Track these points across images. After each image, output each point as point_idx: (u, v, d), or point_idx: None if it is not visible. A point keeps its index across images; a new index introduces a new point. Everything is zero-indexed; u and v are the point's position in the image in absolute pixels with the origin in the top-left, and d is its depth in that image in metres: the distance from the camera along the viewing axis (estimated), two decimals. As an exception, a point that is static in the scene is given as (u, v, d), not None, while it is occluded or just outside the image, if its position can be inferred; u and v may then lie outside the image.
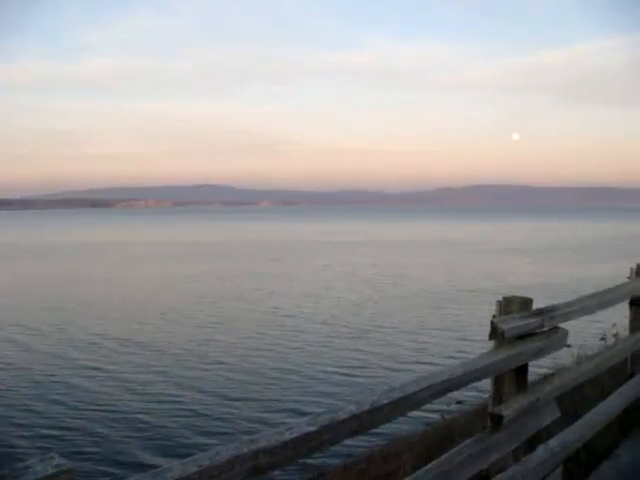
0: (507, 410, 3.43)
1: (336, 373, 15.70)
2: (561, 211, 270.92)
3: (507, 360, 3.44)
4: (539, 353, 3.73)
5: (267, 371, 15.93)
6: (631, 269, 5.66)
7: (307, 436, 2.23)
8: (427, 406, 3.01)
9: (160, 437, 11.60)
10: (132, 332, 21.04)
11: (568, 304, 4.17)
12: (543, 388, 3.87)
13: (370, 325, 22.01)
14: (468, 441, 3.31)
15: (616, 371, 5.69)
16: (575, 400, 5.35)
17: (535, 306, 3.80)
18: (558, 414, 3.98)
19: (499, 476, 3.43)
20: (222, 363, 16.86)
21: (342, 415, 2.39)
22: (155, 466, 1.97)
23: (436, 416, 8.64)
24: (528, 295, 3.83)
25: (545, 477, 3.78)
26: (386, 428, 6.87)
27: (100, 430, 11.92)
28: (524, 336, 3.62)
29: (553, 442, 3.94)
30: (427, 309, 25.24)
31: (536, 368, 4.53)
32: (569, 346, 4.34)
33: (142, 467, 9.49)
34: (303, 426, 2.25)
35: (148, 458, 10.56)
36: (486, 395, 4.14)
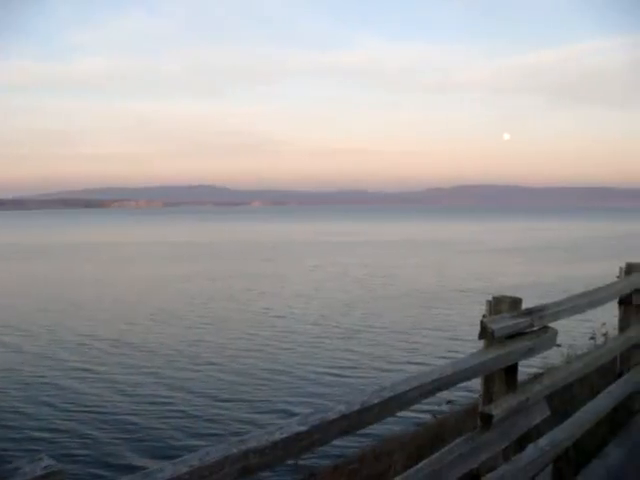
0: (497, 409, 3.44)
1: (327, 374, 15.69)
2: (556, 211, 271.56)
3: (497, 360, 3.45)
4: (529, 353, 3.74)
5: (257, 372, 15.90)
6: (620, 268, 5.70)
7: (298, 436, 2.22)
8: (418, 406, 3.01)
9: (150, 438, 11.55)
10: (122, 333, 20.95)
11: (557, 303, 4.19)
12: (533, 387, 3.89)
13: (361, 325, 22.02)
14: (458, 440, 3.32)
15: (605, 370, 5.72)
16: (565, 399, 5.37)
17: (525, 306, 3.82)
18: (548, 413, 4.00)
19: (489, 475, 3.44)
20: (212, 364, 16.82)
21: (332, 415, 2.38)
22: (145, 468, 1.97)
23: (427, 416, 8.66)
24: (518, 295, 3.84)
25: (535, 476, 3.80)
26: (378, 428, 6.89)
27: (90, 432, 11.85)
28: (514, 336, 3.63)
29: (543, 441, 3.96)
30: (417, 309, 25.29)
31: (526, 367, 4.54)
32: (559, 345, 4.36)
33: (132, 469, 9.45)
34: (293, 426, 2.25)
35: (138, 460, 10.52)
36: (476, 395, 4.15)
